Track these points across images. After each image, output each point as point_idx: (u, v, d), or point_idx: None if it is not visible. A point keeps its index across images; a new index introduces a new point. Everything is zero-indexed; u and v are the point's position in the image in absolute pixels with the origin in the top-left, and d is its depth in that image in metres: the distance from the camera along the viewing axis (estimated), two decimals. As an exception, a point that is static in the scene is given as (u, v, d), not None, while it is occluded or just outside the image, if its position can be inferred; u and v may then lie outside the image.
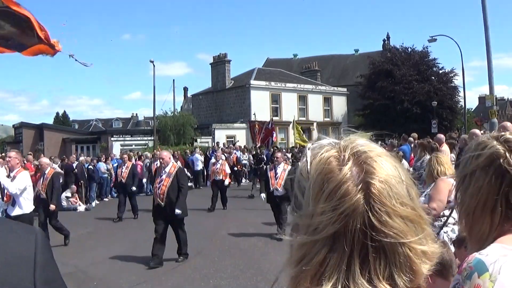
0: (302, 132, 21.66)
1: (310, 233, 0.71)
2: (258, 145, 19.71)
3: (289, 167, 9.38)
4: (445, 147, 8.39)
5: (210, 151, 22.69)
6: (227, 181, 13.75)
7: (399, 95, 34.42)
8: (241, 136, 31.21)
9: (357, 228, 0.68)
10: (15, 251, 0.79)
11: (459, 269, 1.00)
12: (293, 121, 22.14)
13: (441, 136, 9.48)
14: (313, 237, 0.70)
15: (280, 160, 9.35)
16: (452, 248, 2.63)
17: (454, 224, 3.86)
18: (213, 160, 18.84)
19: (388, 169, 0.72)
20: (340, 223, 0.69)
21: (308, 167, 0.74)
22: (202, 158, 20.85)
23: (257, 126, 19.54)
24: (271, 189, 9.08)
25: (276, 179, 9.05)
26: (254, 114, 20.55)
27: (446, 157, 4.31)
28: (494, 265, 0.94)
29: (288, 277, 0.74)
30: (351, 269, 0.69)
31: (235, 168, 20.78)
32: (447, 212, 3.96)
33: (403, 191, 0.72)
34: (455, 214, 3.79)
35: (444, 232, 3.89)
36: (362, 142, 0.75)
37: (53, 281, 0.84)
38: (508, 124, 6.73)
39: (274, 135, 20.99)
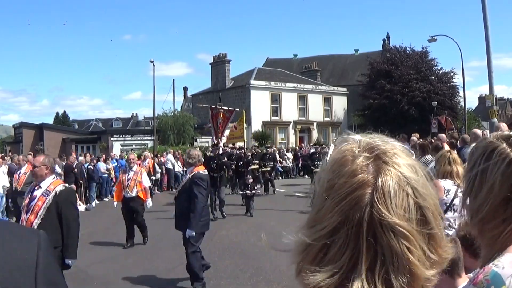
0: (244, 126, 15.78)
1: (314, 228, 0.71)
2: (222, 141, 15.52)
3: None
4: (446, 147, 8.38)
5: (210, 151, 22.64)
6: (149, 202, 9.00)
7: (398, 95, 34.47)
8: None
9: (357, 222, 0.67)
10: (17, 254, 0.79)
11: (474, 281, 0.99)
12: (243, 113, 15.92)
13: (443, 135, 9.48)
14: (318, 232, 0.70)
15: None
16: None
17: (448, 227, 3.82)
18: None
19: (402, 167, 0.71)
20: (342, 216, 0.68)
21: (327, 159, 0.75)
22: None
23: (221, 115, 14.54)
24: None
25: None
26: (244, 111, 16.37)
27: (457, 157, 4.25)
28: (511, 279, 0.95)
29: (294, 265, 0.75)
30: (347, 262, 0.68)
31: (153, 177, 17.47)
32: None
33: (414, 191, 0.70)
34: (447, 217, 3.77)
35: None
36: (384, 139, 0.75)
37: (55, 283, 0.84)
38: (504, 125, 6.76)
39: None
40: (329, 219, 0.69)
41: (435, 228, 0.71)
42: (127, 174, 8.91)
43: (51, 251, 0.86)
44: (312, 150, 22.23)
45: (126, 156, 22.07)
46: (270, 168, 17.52)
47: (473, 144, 1.36)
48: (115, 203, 9.15)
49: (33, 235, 0.84)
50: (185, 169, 11.23)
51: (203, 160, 6.54)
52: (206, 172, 6.28)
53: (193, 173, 5.99)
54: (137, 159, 18.28)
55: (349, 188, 0.69)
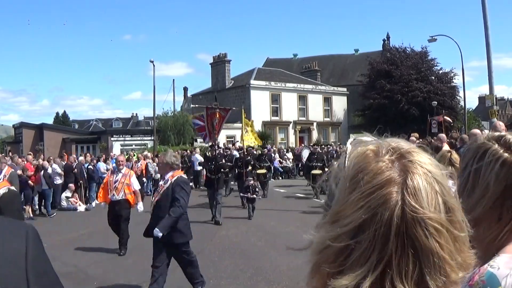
0: (254, 128, 15.11)
1: (336, 223, 0.69)
2: (217, 141, 14.61)
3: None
4: (446, 147, 8.38)
5: (209, 151, 22.56)
6: (140, 206, 8.45)
7: (399, 95, 34.49)
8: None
9: (386, 221, 0.65)
10: (6, 246, 0.80)
11: (470, 282, 0.99)
12: (242, 115, 15.31)
13: (443, 135, 9.48)
14: (341, 228, 0.68)
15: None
16: None
17: None
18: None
19: (428, 166, 0.70)
20: (368, 214, 0.66)
21: (346, 159, 0.74)
22: (202, 158, 20.82)
23: (217, 114, 13.81)
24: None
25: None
26: (235, 109, 15.32)
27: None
28: (507, 279, 0.95)
29: (310, 265, 0.73)
30: (374, 265, 0.65)
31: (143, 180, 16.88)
32: None
33: (442, 189, 0.70)
34: None
35: None
36: (403, 141, 0.75)
37: (45, 274, 0.85)
38: (500, 123, 6.79)
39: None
40: (354, 214, 0.67)
41: (459, 229, 0.70)
42: (115, 176, 8.43)
43: (40, 242, 0.88)
44: (305, 150, 21.48)
45: (127, 156, 22.19)
46: (265, 171, 16.70)
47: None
48: (103, 204, 8.65)
49: (21, 228, 0.86)
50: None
51: None
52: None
53: (176, 176, 5.52)
54: (135, 160, 18.05)
55: (377, 185, 0.67)
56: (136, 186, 8.59)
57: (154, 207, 5.50)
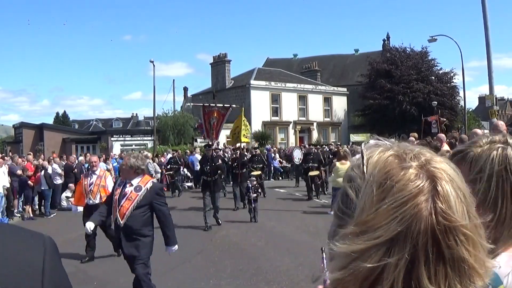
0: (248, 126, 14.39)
1: (366, 235, 0.65)
2: (216, 141, 13.77)
3: (149, 184, 5.00)
4: (445, 147, 8.39)
5: (205, 151, 22.36)
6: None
7: (398, 96, 34.49)
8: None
9: (421, 231, 0.64)
10: (23, 258, 0.79)
11: None
12: (242, 112, 14.66)
13: (442, 135, 9.47)
14: (370, 241, 0.65)
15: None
16: None
17: None
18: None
19: (450, 173, 0.69)
20: (403, 225, 0.64)
21: (365, 165, 0.70)
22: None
23: (215, 113, 13.07)
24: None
25: (119, 205, 4.94)
26: (232, 107, 14.08)
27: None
28: (508, 278, 0.96)
29: (330, 280, 0.69)
30: (412, 276, 0.64)
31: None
32: None
33: (464, 196, 0.69)
34: None
35: None
36: (417, 147, 0.74)
37: (61, 287, 0.84)
38: (500, 122, 6.78)
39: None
40: (387, 225, 0.64)
41: (481, 237, 0.69)
42: (89, 179, 7.96)
43: (57, 254, 0.86)
44: (296, 150, 20.99)
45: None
46: (260, 172, 15.91)
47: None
48: (74, 208, 8.07)
49: (38, 239, 0.84)
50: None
51: None
52: None
53: (150, 183, 5.07)
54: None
55: (410, 193, 0.65)
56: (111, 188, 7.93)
57: (129, 217, 4.90)
